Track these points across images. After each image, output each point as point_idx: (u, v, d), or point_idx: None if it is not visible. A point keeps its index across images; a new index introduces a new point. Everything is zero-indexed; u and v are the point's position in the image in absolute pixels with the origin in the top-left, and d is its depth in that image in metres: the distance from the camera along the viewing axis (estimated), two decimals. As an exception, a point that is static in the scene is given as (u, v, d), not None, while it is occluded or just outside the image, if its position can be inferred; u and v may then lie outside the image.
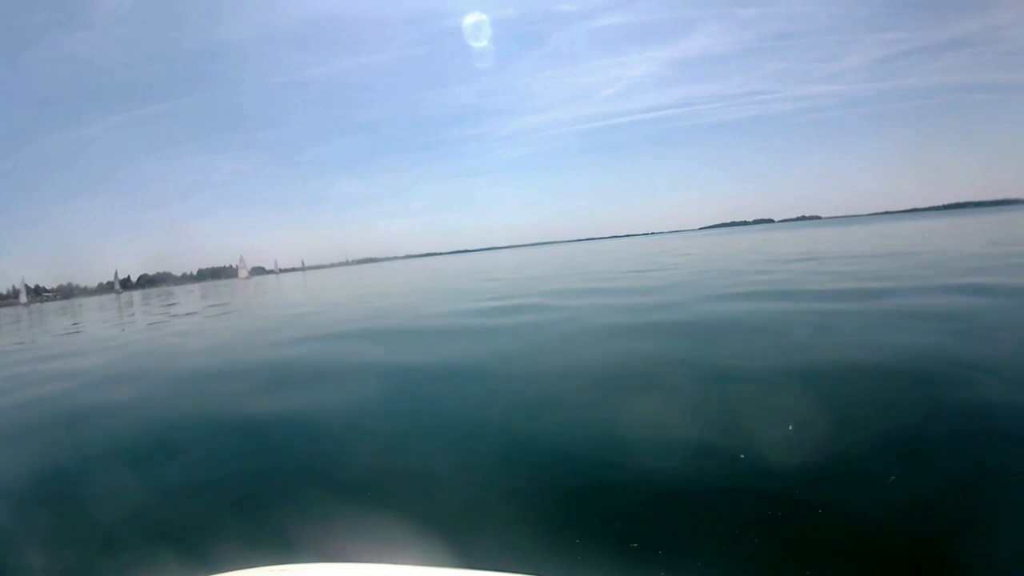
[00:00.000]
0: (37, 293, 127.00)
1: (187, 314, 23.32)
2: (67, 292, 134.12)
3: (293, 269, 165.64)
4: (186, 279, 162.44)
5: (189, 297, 42.46)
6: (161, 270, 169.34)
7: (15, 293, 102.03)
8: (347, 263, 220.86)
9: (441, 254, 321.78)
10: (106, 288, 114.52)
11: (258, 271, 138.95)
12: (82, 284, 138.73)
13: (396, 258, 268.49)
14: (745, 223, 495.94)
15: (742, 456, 3.49)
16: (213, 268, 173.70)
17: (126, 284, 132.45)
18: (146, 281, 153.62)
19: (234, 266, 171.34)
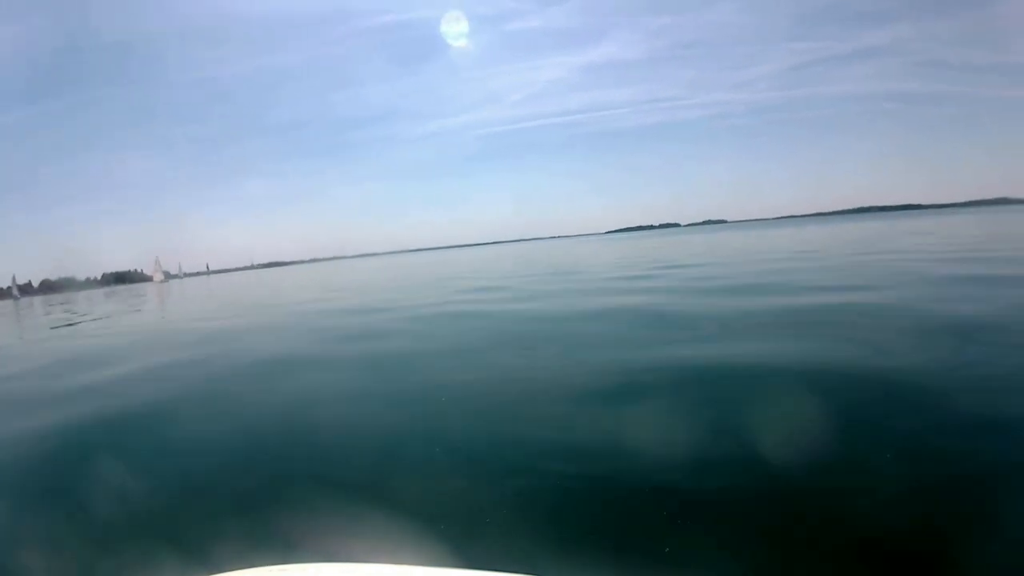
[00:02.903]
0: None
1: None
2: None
3: (198, 273, 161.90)
4: (91, 284, 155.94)
5: (102, 303, 40.60)
6: (65, 275, 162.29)
7: None
8: (252, 267, 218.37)
9: (347, 258, 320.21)
10: (5, 293, 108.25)
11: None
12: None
13: (303, 262, 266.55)
14: (651, 227, 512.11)
15: (740, 455, 3.54)
16: (118, 272, 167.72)
17: (26, 289, 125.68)
18: (48, 287, 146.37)
19: (141, 270, 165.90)
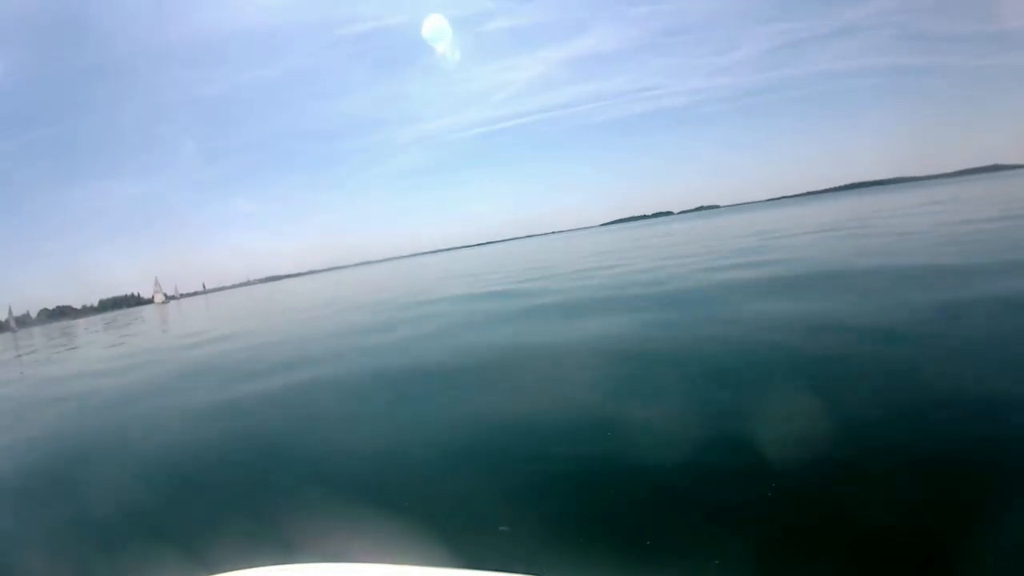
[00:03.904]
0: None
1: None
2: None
3: (195, 293, 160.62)
4: (87, 311, 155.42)
5: (104, 331, 39.78)
6: (61, 303, 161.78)
7: None
8: (249, 283, 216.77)
9: (345, 267, 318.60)
10: (3, 327, 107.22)
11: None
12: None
13: (300, 274, 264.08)
14: (644, 216, 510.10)
15: (740, 455, 3.50)
16: (115, 298, 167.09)
17: (24, 321, 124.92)
18: (47, 316, 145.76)
19: (138, 293, 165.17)
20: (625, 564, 2.60)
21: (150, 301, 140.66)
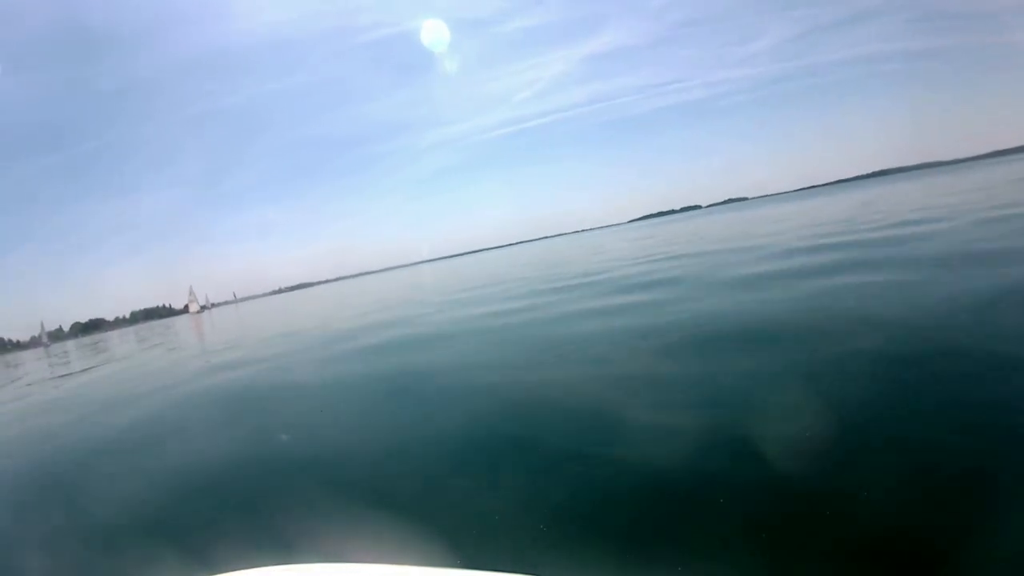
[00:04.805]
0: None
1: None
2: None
3: (226, 303, 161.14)
4: (120, 323, 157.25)
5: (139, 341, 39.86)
6: (94, 316, 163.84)
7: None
8: (280, 291, 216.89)
9: (373, 272, 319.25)
10: (36, 342, 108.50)
11: (185, 309, 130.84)
12: (14, 338, 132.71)
13: (328, 281, 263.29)
14: (673, 211, 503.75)
15: (740, 455, 3.48)
16: (146, 309, 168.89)
17: (57, 335, 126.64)
18: (79, 329, 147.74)
19: (169, 304, 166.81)
20: (625, 564, 2.60)
21: (181, 312, 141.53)
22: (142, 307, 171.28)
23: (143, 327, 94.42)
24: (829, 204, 38.02)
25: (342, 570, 1.67)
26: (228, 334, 25.65)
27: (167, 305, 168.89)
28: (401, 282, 46.73)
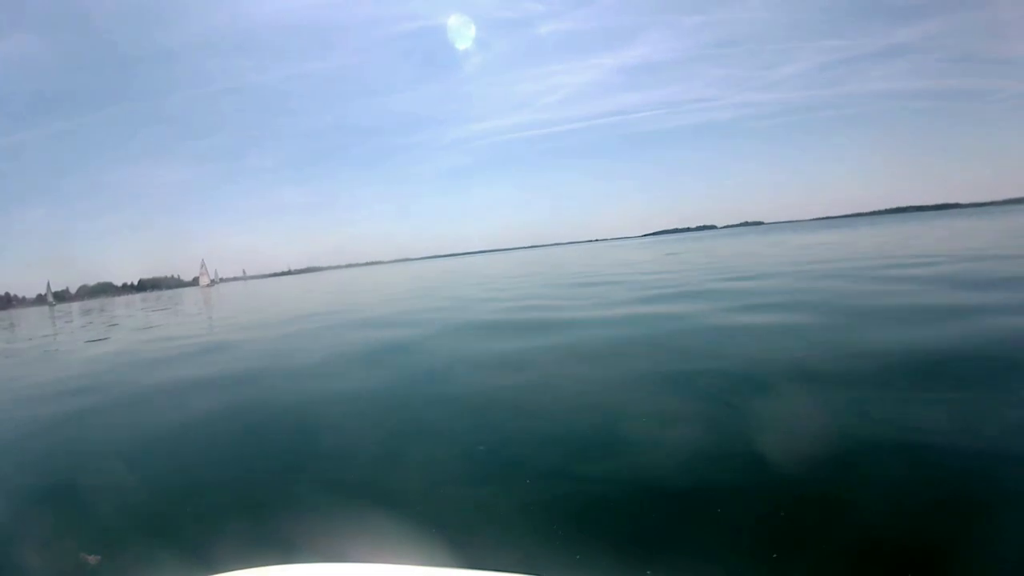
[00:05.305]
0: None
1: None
2: (5, 303, 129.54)
3: (234, 279, 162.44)
4: (127, 289, 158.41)
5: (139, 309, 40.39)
6: (101, 280, 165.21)
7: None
8: (289, 272, 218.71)
9: (383, 263, 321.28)
10: (41, 300, 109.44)
11: (196, 282, 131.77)
12: (19, 295, 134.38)
13: (339, 267, 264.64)
14: (688, 229, 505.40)
15: (741, 455, 3.49)
16: (155, 278, 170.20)
17: (63, 296, 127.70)
18: (86, 293, 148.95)
19: (177, 275, 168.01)
20: (625, 564, 2.58)
21: (189, 284, 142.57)
22: (150, 275, 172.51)
23: (150, 295, 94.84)
24: (901, 232, 35.55)
25: (342, 570, 1.65)
26: (240, 308, 26.29)
27: (176, 276, 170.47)
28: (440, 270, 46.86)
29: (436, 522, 2.93)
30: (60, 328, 26.25)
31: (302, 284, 55.81)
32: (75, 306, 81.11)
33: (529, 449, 3.98)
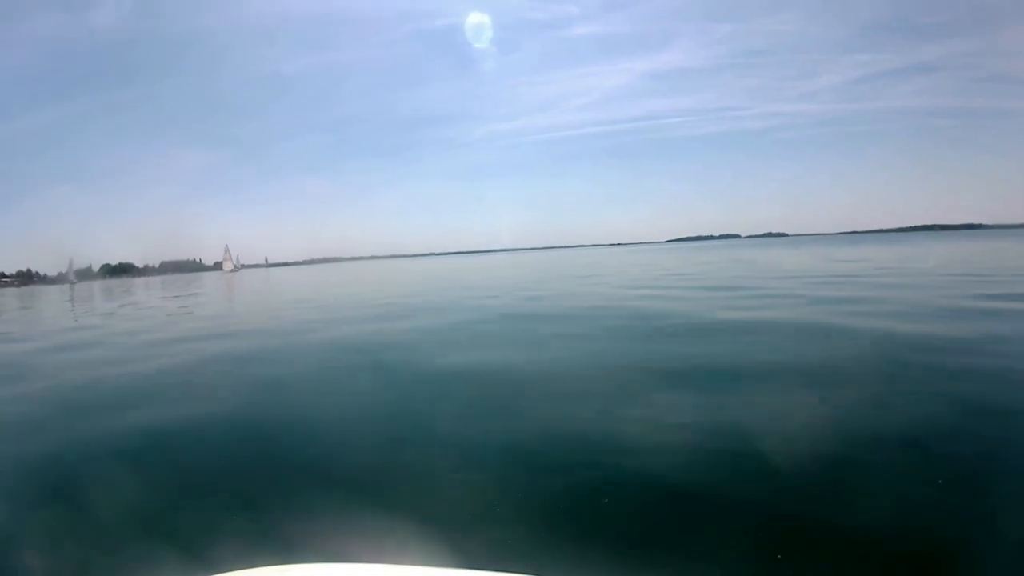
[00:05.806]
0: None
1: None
2: (27, 279, 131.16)
3: (256, 266, 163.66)
4: (149, 271, 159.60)
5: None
6: (125, 260, 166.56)
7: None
8: (312, 262, 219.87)
9: (406, 256, 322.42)
10: (62, 277, 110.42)
11: (218, 266, 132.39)
12: (41, 271, 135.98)
13: (361, 258, 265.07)
14: (711, 237, 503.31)
15: (740, 456, 3.53)
16: (176, 261, 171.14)
17: (85, 274, 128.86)
18: (108, 271, 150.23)
19: (199, 259, 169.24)
20: (625, 564, 2.60)
21: (211, 268, 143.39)
22: (172, 259, 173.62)
23: (170, 278, 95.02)
24: (957, 249, 35.36)
25: (342, 570, 1.65)
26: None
27: (197, 259, 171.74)
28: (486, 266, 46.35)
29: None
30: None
31: (341, 274, 53.76)
32: (95, 284, 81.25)
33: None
